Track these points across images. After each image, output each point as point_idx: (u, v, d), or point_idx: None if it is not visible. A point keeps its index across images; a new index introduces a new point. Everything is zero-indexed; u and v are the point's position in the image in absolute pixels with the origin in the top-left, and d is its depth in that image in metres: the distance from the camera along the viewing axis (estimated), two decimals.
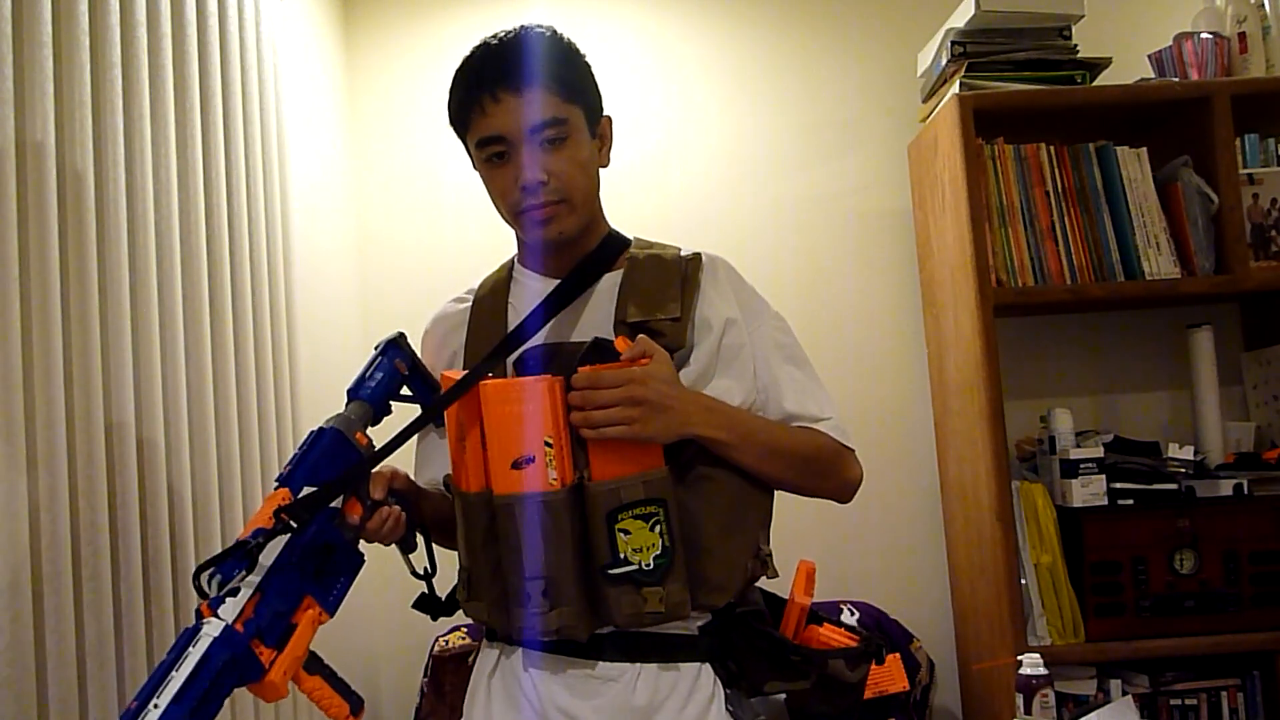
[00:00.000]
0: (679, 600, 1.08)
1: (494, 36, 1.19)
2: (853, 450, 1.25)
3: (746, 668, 1.15)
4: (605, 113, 1.24)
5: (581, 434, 1.07)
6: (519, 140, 1.14)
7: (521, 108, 1.13)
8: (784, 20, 2.46)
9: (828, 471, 1.22)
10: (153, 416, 1.38)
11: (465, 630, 2.13)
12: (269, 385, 1.70)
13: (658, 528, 1.07)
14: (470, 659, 1.29)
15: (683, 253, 1.25)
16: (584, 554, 1.08)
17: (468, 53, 1.20)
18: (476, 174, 1.23)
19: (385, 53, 2.45)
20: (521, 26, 1.19)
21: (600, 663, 1.13)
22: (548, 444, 1.06)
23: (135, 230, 1.36)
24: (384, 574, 2.34)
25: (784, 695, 1.15)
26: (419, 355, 1.25)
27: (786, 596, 1.21)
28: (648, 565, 1.07)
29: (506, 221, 1.22)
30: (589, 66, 1.22)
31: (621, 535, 1.07)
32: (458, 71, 1.20)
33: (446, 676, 2.07)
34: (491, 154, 1.16)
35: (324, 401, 2.09)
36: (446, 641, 2.13)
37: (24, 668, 1.10)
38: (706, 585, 1.12)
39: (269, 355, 1.71)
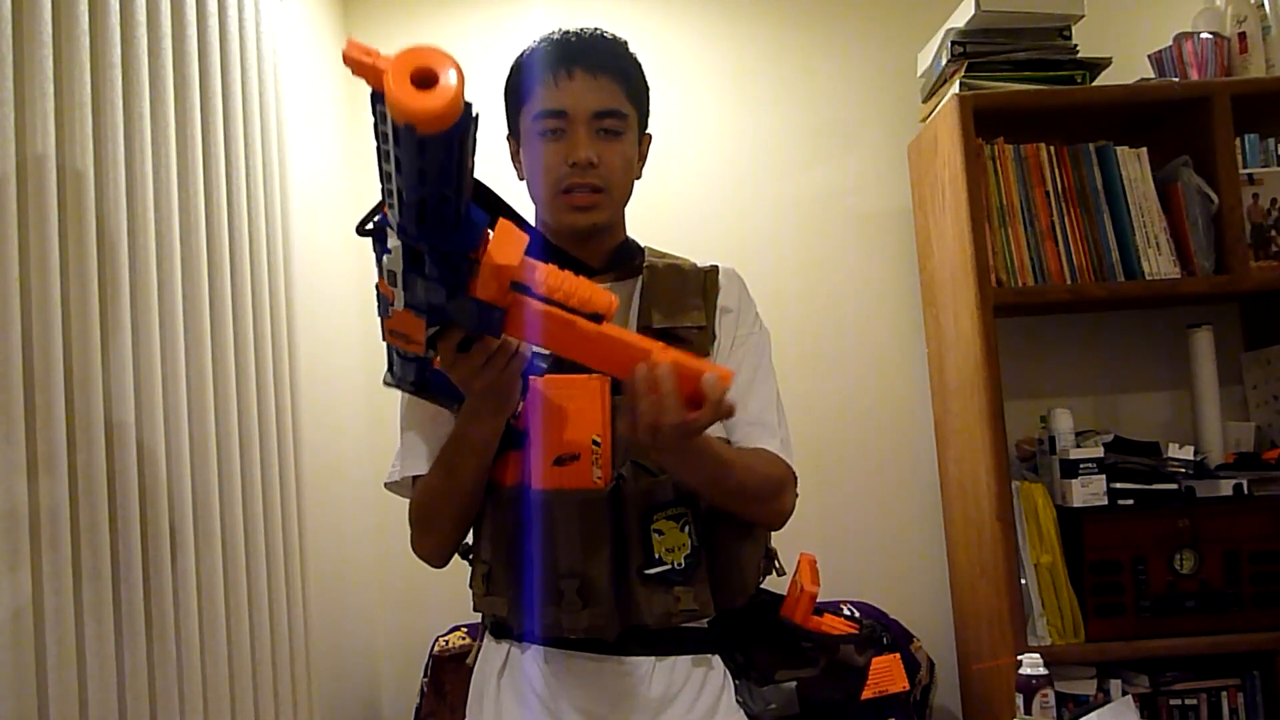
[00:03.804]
0: (706, 599, 1.11)
1: (570, 29, 1.22)
2: (795, 477, 1.23)
3: (756, 657, 1.16)
4: (648, 131, 1.27)
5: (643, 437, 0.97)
6: (580, 120, 1.16)
7: (592, 90, 1.17)
8: (784, 20, 2.46)
9: (770, 498, 1.20)
10: (153, 417, 1.38)
11: (465, 630, 2.13)
12: (269, 385, 1.70)
13: (687, 528, 1.10)
14: (468, 659, 1.29)
15: (699, 264, 1.27)
16: (617, 554, 1.10)
17: (542, 35, 1.22)
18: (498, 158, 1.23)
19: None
20: (597, 29, 1.23)
21: (614, 658, 1.13)
22: (595, 443, 1.07)
23: (135, 230, 1.36)
24: (384, 574, 2.35)
25: (794, 683, 1.16)
26: None
27: (784, 593, 1.22)
28: (679, 565, 1.09)
29: (537, 201, 1.22)
30: (649, 85, 1.26)
31: (655, 535, 1.09)
32: (529, 51, 1.22)
33: (446, 676, 2.07)
34: (547, 128, 1.17)
35: (324, 401, 2.10)
36: (446, 641, 2.13)
37: (24, 668, 1.10)
38: (728, 587, 1.14)
39: (269, 355, 1.71)
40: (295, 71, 2.05)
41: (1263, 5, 2.16)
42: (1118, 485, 2.01)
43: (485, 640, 1.25)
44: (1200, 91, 2.07)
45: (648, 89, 1.25)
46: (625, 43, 1.23)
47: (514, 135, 1.25)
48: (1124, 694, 1.96)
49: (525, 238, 0.85)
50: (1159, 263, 2.05)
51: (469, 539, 1.22)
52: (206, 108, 1.56)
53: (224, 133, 1.60)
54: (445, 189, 0.79)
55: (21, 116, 1.17)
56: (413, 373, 1.06)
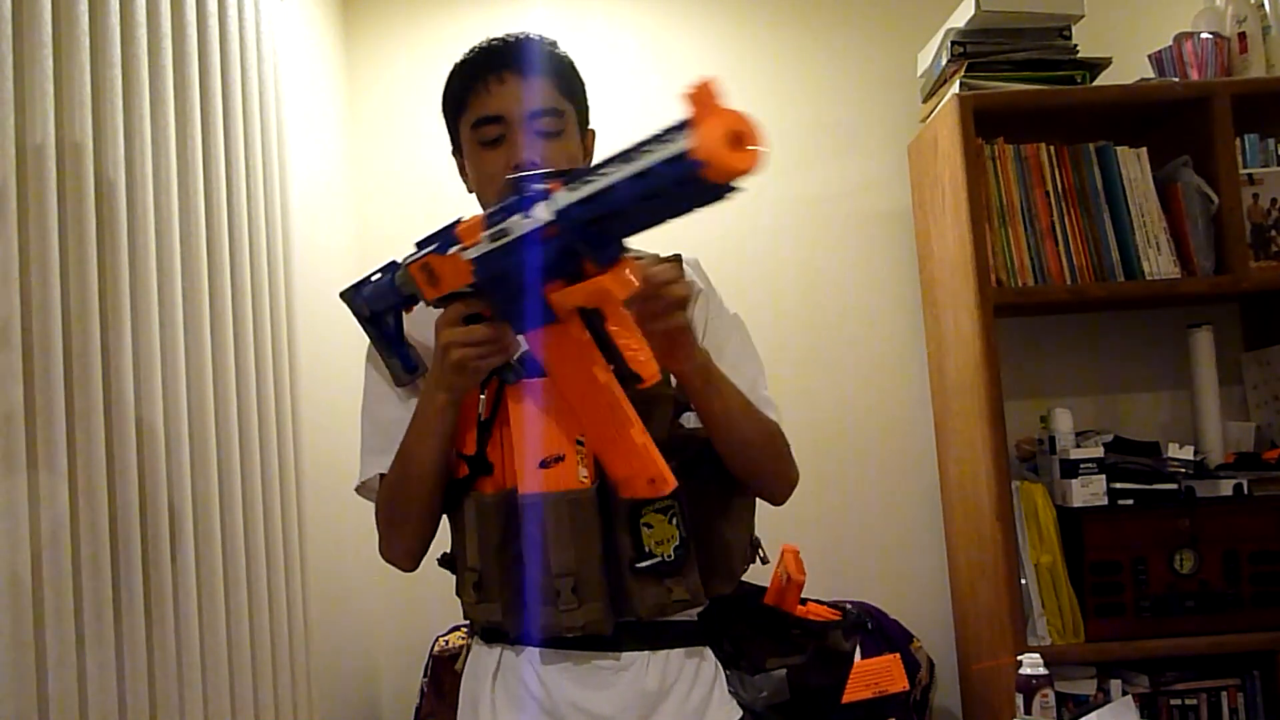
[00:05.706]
0: (697, 587, 1.11)
1: (497, 36, 1.22)
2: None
3: (745, 647, 1.17)
4: (591, 126, 1.26)
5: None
6: (518, 123, 1.16)
7: (525, 91, 1.16)
8: (783, 20, 2.46)
9: (782, 455, 1.21)
10: (153, 416, 1.38)
11: (465, 630, 2.13)
12: (269, 385, 1.70)
13: (674, 520, 1.10)
14: (457, 665, 1.29)
15: (661, 256, 1.26)
16: (608, 550, 1.10)
17: (472, 46, 1.22)
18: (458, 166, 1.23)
19: (385, 53, 2.45)
20: (524, 31, 1.22)
21: (610, 653, 1.14)
22: (579, 443, 1.07)
23: (135, 230, 1.36)
24: (384, 574, 2.35)
25: (784, 670, 1.17)
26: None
27: (766, 585, 1.23)
28: (669, 557, 1.10)
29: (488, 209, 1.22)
30: (584, 80, 1.25)
31: (645, 529, 1.09)
32: (460, 61, 1.22)
33: (446, 676, 2.07)
34: (487, 136, 1.17)
35: (324, 401, 2.10)
36: (446, 641, 2.13)
37: (24, 668, 1.10)
38: (718, 574, 1.15)
39: (269, 354, 1.71)
40: (295, 71, 2.05)
41: (1263, 5, 2.16)
42: (1118, 485, 2.01)
43: (475, 646, 1.25)
44: (1200, 91, 2.07)
45: (583, 85, 1.24)
46: (555, 42, 1.23)
47: (458, 150, 1.25)
48: (1124, 694, 1.96)
49: (636, 283, 0.93)
50: (1159, 263, 2.05)
51: (450, 548, 1.22)
52: (206, 108, 1.56)
53: (224, 133, 1.60)
54: (642, 221, 0.90)
55: (21, 114, 1.17)
56: (382, 304, 1.14)
